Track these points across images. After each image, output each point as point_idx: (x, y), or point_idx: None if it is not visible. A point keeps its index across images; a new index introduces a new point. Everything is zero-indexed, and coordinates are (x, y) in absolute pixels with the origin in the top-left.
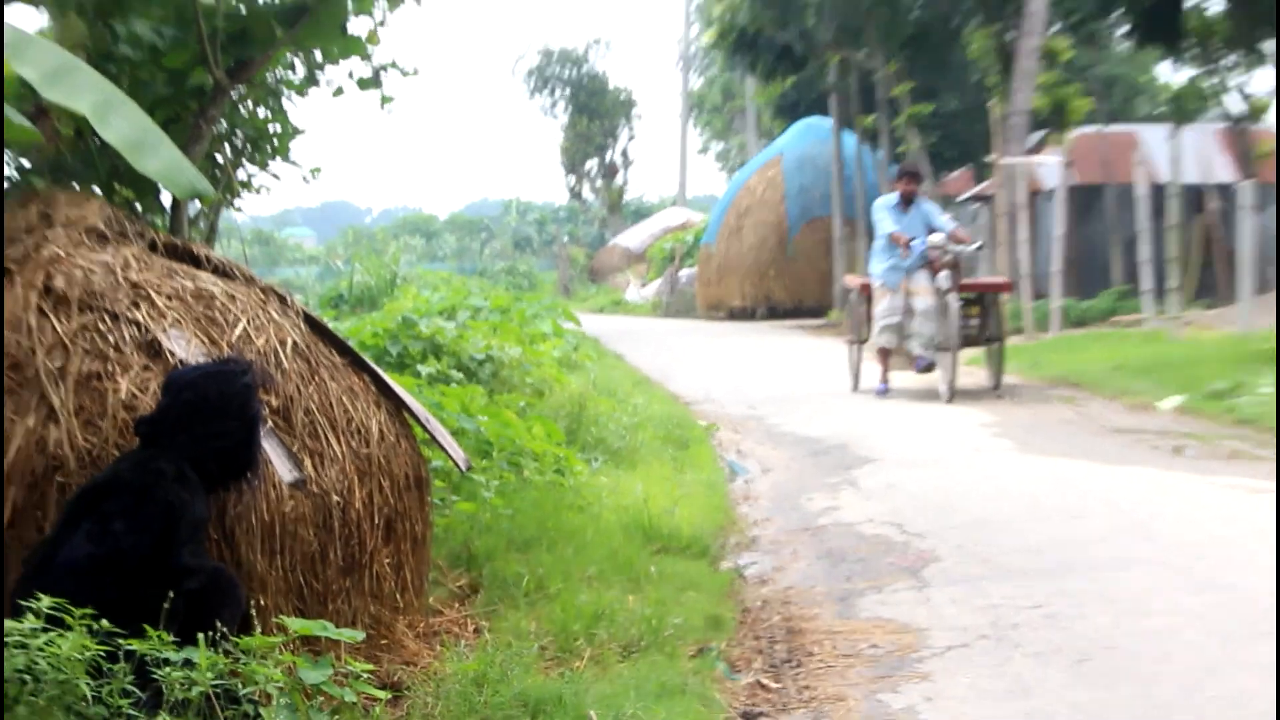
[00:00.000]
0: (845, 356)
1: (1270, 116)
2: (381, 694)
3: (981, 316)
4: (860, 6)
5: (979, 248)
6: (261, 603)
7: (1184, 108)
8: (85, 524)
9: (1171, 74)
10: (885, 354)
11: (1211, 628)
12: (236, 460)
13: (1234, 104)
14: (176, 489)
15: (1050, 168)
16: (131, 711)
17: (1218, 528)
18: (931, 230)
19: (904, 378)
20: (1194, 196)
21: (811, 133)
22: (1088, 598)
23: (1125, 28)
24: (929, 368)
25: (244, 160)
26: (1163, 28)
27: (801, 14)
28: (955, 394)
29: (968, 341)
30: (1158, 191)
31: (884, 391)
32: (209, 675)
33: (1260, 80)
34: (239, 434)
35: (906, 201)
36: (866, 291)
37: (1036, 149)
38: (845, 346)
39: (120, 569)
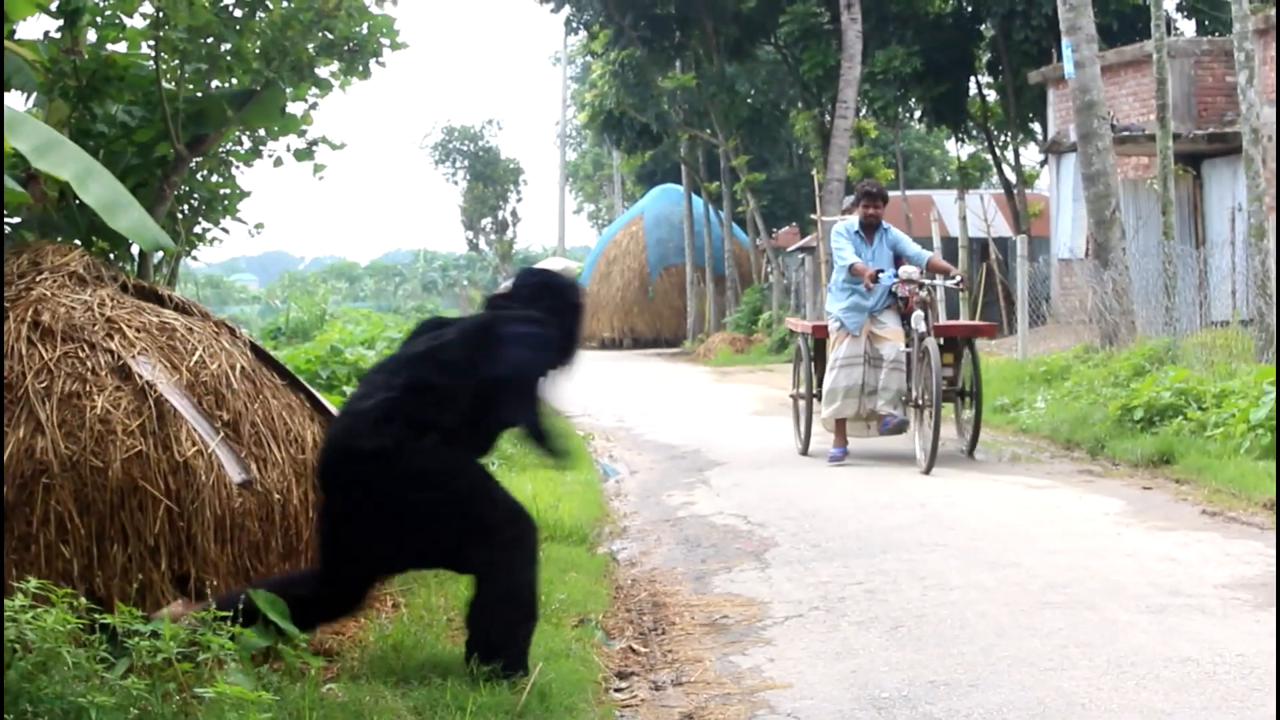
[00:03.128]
0: (790, 413)
1: (1039, 182)
2: (315, 660)
3: (954, 366)
4: (705, 94)
5: (958, 282)
6: (214, 583)
7: (968, 176)
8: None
9: (957, 149)
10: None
11: (1001, 599)
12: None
13: (1009, 173)
14: (516, 323)
15: None
16: (105, 675)
17: (1003, 516)
18: (901, 261)
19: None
20: (979, 248)
21: (666, 196)
22: (900, 575)
23: (919, 112)
24: (898, 429)
25: (199, 218)
26: (950, 112)
27: (657, 100)
28: (935, 462)
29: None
30: (949, 244)
31: (839, 457)
32: (172, 644)
33: (1028, 154)
34: (565, 315)
35: (869, 228)
36: (820, 335)
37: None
38: (790, 401)
39: (439, 361)
